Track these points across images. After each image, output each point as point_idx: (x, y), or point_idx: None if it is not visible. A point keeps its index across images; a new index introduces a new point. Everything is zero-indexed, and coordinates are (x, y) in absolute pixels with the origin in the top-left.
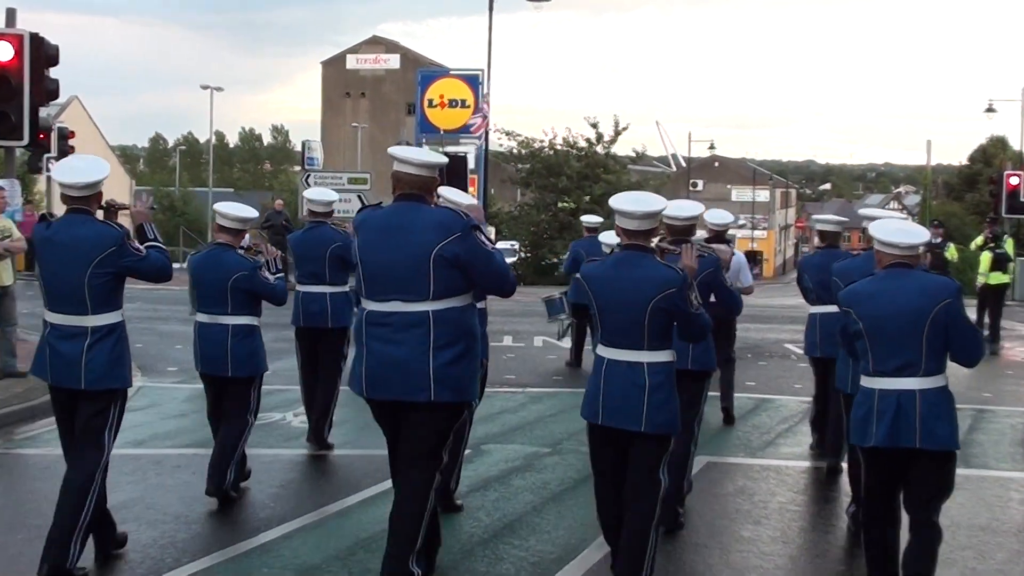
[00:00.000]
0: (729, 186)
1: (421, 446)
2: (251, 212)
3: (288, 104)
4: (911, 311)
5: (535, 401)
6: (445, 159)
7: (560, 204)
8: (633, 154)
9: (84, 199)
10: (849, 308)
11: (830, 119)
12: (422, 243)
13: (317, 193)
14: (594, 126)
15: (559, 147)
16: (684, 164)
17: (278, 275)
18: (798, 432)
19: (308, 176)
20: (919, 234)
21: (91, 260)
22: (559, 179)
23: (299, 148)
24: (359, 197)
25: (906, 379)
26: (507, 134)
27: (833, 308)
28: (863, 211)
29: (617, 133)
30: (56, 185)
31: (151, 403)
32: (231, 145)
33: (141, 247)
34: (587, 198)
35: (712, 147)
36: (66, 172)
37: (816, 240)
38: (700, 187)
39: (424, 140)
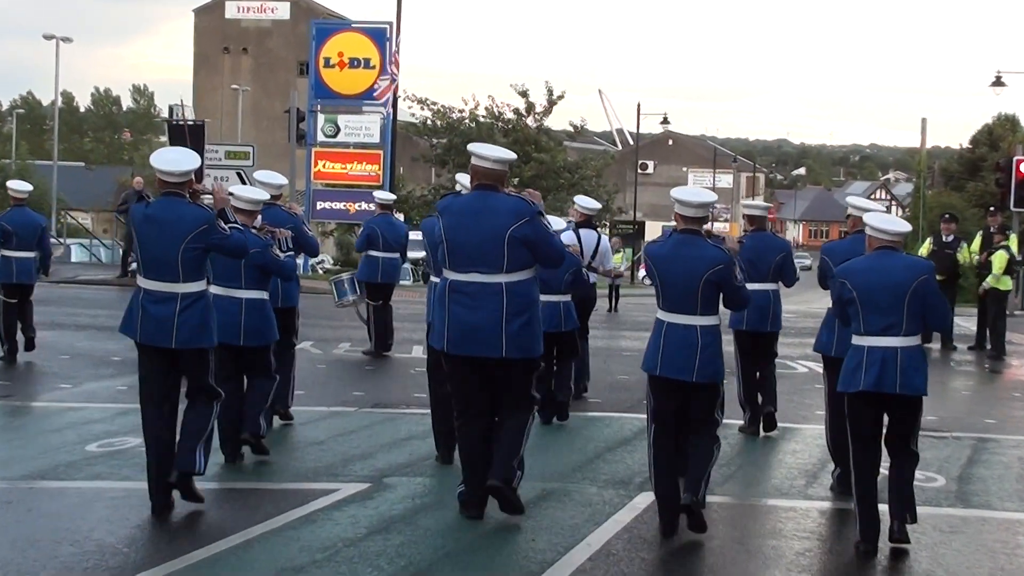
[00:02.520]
0: (685, 168)
1: (510, 393)
2: (263, 195)
3: (152, 60)
4: (896, 284)
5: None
6: (514, 155)
7: None
8: (571, 129)
9: (178, 184)
10: (844, 279)
11: (806, 91)
12: (499, 225)
13: (268, 176)
14: (523, 95)
15: (482, 119)
16: (632, 141)
17: (288, 253)
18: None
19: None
20: (905, 224)
21: (185, 236)
22: None
23: (165, 114)
24: (239, 175)
25: (890, 338)
26: (420, 102)
27: None
28: (851, 199)
29: (551, 103)
30: None
31: None
32: (82, 109)
33: (226, 228)
34: (515, 180)
35: (665, 121)
36: (165, 162)
37: (745, 224)
38: (651, 169)
39: (318, 106)
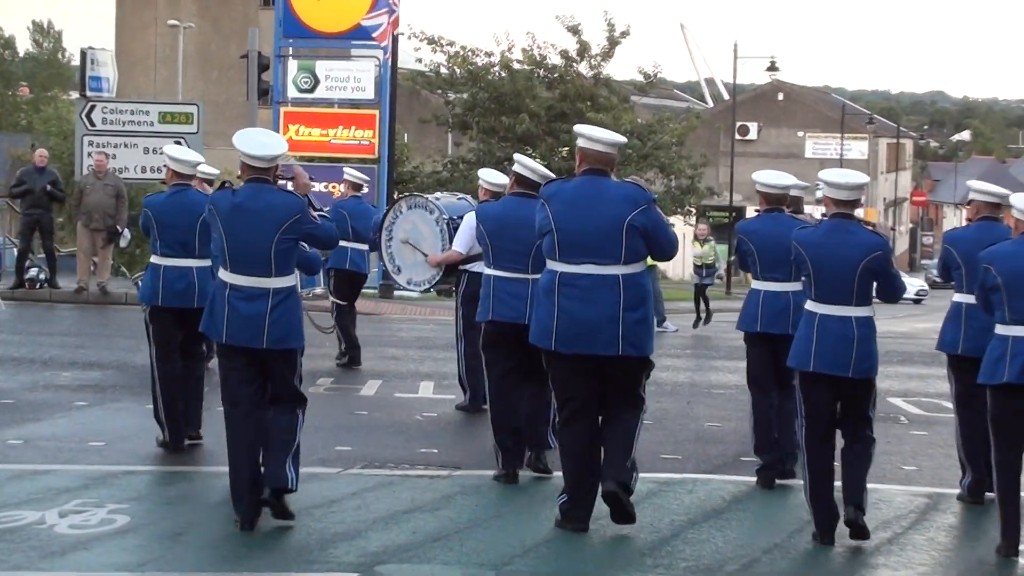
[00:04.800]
0: (801, 132)
1: (622, 391)
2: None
3: None
4: None
5: (470, 491)
6: (625, 139)
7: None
8: (641, 79)
9: (265, 170)
10: (989, 265)
11: (969, 29)
12: (615, 214)
13: (180, 152)
14: (574, 31)
15: (517, 65)
16: (727, 96)
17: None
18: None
19: (90, 108)
20: None
21: (279, 226)
22: (517, 119)
23: (77, 61)
24: (178, 144)
25: None
26: (431, 42)
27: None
28: (973, 183)
29: (612, 43)
30: None
31: None
32: None
33: (316, 216)
34: (564, 150)
35: (773, 68)
36: (253, 146)
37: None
38: (753, 134)
39: (289, 50)
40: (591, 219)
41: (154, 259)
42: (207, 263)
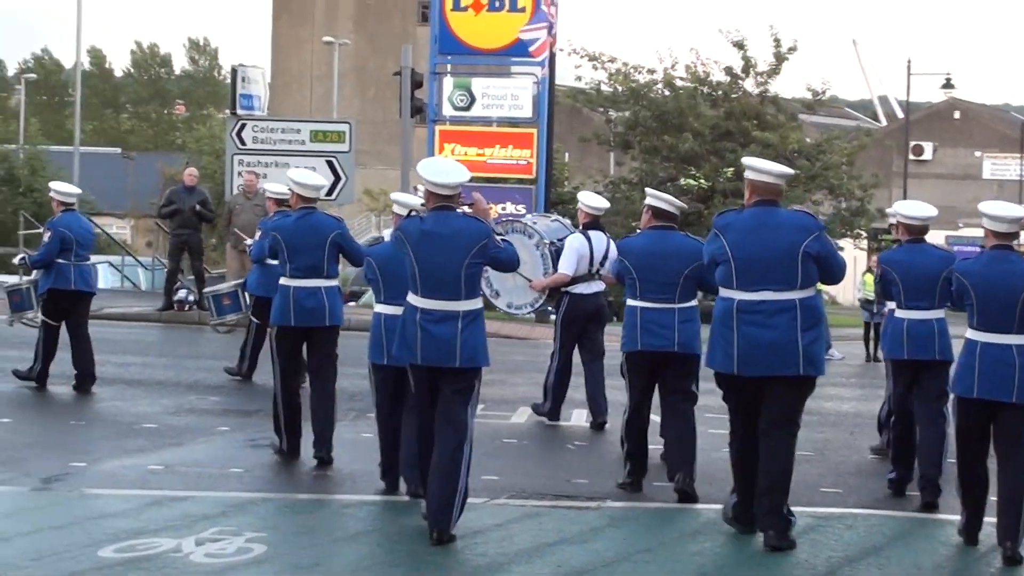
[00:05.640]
0: (979, 152)
1: (787, 413)
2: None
3: (218, 2)
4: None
5: (618, 523)
6: (792, 171)
7: (684, 180)
8: (809, 96)
9: (450, 197)
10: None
11: None
12: (790, 242)
13: (304, 176)
14: (739, 46)
15: (680, 82)
16: (900, 114)
17: None
18: None
19: (241, 127)
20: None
21: (468, 251)
22: (680, 138)
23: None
24: (330, 164)
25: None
26: (592, 59)
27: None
28: (987, 207)
29: (779, 59)
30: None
31: None
32: (117, 73)
33: (499, 240)
34: (729, 171)
35: (948, 86)
36: (437, 174)
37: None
38: (928, 154)
39: (446, 68)
40: (767, 248)
41: (283, 280)
42: (335, 283)
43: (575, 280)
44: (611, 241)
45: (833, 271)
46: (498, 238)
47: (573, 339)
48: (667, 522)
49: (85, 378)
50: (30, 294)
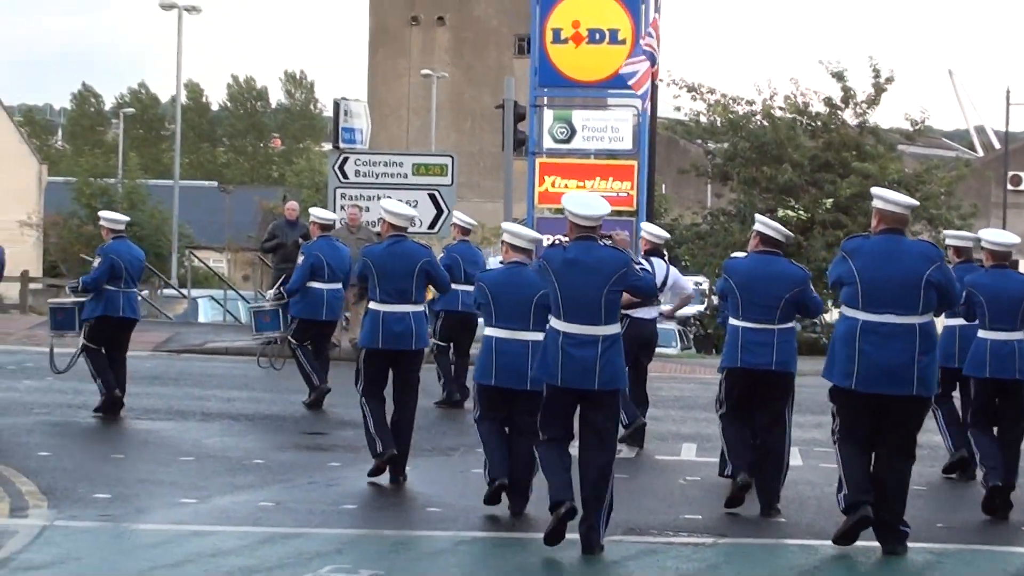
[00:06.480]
0: None
1: (905, 434)
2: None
3: (313, 36)
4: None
5: (736, 560)
6: (916, 202)
7: (783, 212)
8: (908, 126)
9: (592, 228)
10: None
11: None
12: (914, 269)
13: (396, 206)
14: (838, 77)
15: (779, 113)
16: (997, 144)
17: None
18: None
19: (343, 161)
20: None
21: (609, 278)
22: (779, 169)
23: (330, 112)
24: (432, 198)
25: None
26: (691, 90)
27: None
28: (987, 233)
29: (878, 90)
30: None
31: (61, 557)
32: (214, 106)
33: (638, 269)
34: (828, 202)
35: None
36: (582, 206)
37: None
38: None
39: (545, 100)
40: (893, 273)
41: (373, 305)
42: (422, 308)
43: (635, 304)
44: (671, 268)
45: (951, 299)
46: (636, 267)
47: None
48: (783, 558)
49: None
50: (74, 315)
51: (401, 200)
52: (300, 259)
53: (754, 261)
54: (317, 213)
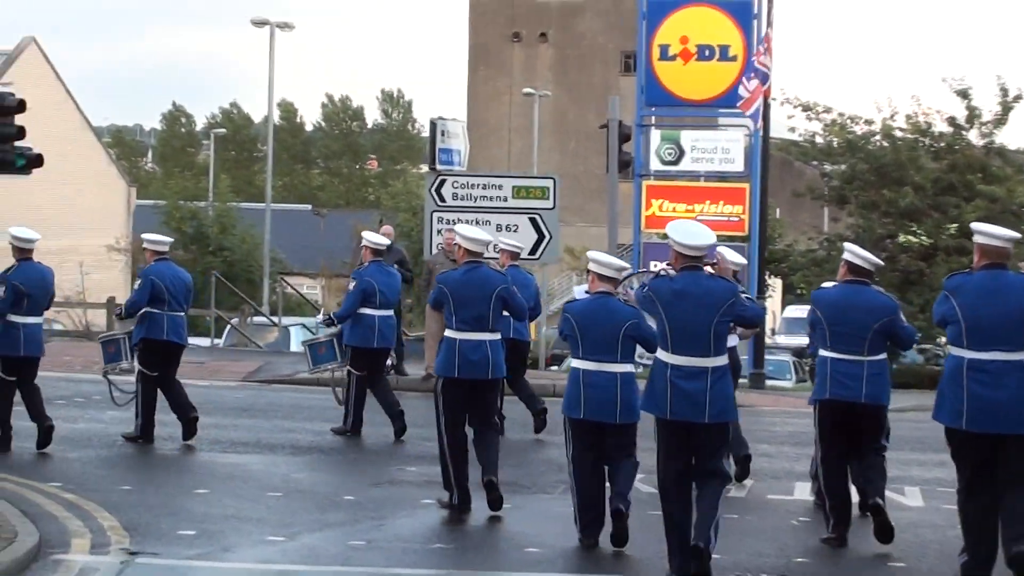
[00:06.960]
0: None
1: (1018, 469)
2: (620, 262)
3: (409, 53)
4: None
5: None
6: (1019, 235)
7: (904, 237)
8: None
9: (698, 258)
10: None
11: None
12: (1020, 304)
13: (471, 231)
14: (963, 95)
15: (900, 133)
16: None
17: None
18: None
19: (441, 183)
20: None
21: (718, 309)
22: (900, 192)
23: (427, 132)
24: (533, 222)
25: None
26: (806, 109)
27: None
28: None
29: (1006, 109)
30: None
31: None
32: (307, 127)
33: (744, 299)
34: (952, 227)
35: None
36: (688, 236)
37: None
38: None
39: (652, 120)
40: (998, 310)
41: (449, 333)
42: (498, 336)
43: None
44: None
45: None
46: (743, 296)
47: None
48: None
49: (190, 423)
50: (125, 344)
51: (501, 225)
52: (351, 285)
53: (842, 291)
54: (369, 237)
